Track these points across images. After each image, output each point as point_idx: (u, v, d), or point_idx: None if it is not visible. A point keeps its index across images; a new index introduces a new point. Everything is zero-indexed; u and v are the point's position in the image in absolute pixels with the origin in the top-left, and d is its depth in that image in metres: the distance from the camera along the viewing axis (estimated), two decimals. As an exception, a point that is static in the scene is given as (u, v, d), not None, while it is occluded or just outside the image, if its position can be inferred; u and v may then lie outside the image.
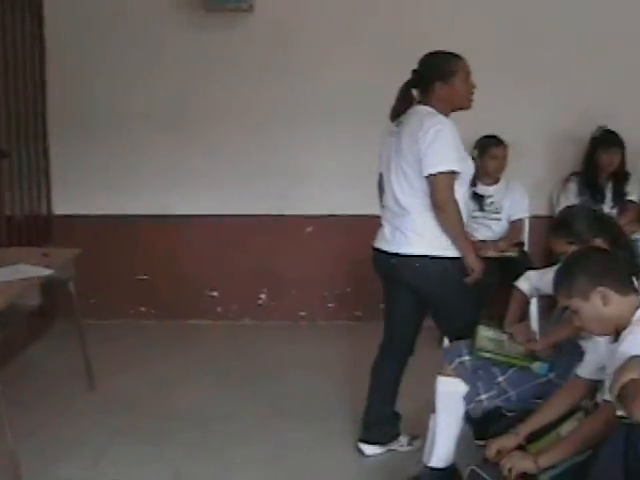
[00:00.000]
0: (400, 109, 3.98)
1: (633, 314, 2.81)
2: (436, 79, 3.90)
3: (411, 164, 3.85)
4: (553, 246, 3.56)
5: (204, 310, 6.30)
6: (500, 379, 3.48)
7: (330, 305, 6.28)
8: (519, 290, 3.93)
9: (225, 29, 5.96)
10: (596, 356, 3.05)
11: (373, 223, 5.98)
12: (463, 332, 3.77)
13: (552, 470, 2.78)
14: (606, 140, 5.81)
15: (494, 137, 5.73)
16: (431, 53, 3.98)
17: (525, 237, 5.92)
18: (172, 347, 5.72)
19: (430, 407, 3.63)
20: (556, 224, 3.64)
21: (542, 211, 6.04)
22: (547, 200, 6.05)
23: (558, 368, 3.48)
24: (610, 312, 2.82)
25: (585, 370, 3.11)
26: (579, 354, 3.44)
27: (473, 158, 5.55)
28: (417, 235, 3.87)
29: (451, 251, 3.85)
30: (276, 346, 5.76)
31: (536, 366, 3.48)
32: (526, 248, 5.87)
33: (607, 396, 2.65)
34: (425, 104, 3.93)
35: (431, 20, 5.86)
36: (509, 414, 3.35)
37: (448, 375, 3.56)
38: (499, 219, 5.83)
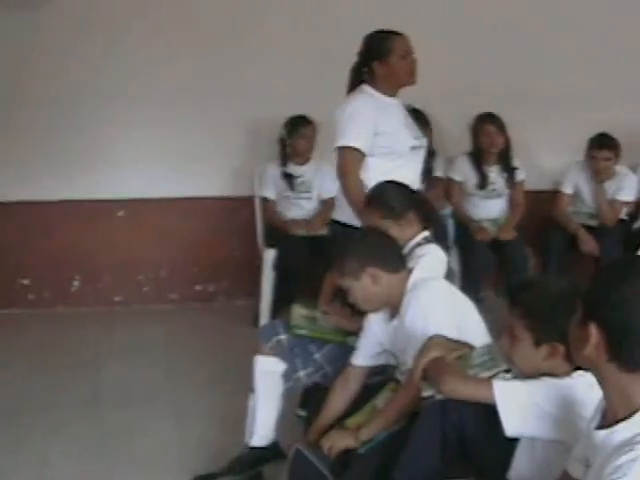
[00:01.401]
0: (348, 91, 4.15)
1: (402, 290, 2.99)
2: (373, 58, 4.05)
3: None
4: (367, 219, 3.66)
5: (15, 299, 6.08)
6: (317, 355, 3.55)
7: (145, 289, 6.22)
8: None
9: (27, 8, 5.69)
10: (370, 341, 3.19)
11: (185, 206, 6.04)
12: None
13: (369, 443, 2.89)
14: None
15: (303, 117, 5.75)
16: (370, 33, 4.10)
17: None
18: (-19, 338, 5.50)
19: (249, 387, 3.67)
20: (369, 198, 3.71)
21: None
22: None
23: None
24: (380, 291, 3.00)
25: (359, 359, 3.24)
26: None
27: (282, 138, 5.70)
28: (338, 201, 4.18)
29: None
30: (92, 333, 5.62)
31: (352, 339, 3.52)
32: (337, 226, 5.95)
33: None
34: (369, 83, 4.09)
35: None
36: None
37: (265, 354, 3.60)
38: (310, 198, 5.89)
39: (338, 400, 3.21)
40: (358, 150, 4.00)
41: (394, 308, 3.06)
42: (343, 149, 4.02)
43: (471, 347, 2.75)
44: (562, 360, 2.36)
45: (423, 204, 3.67)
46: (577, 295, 2.36)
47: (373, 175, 3.95)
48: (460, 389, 2.47)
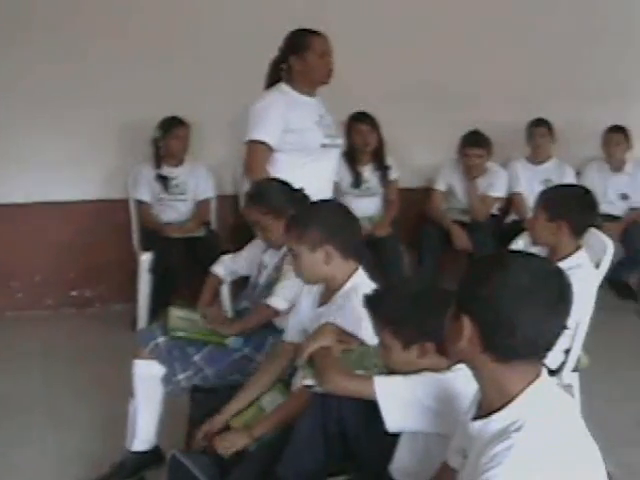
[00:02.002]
0: (266, 86, 4.27)
1: (345, 280, 2.97)
2: (290, 52, 4.17)
3: None
4: (248, 214, 3.71)
5: None
6: (196, 358, 3.54)
7: (19, 295, 6.08)
8: (213, 274, 4.06)
9: None
10: (298, 319, 3.20)
11: (59, 210, 5.92)
12: None
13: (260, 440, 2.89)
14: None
15: (176, 118, 5.72)
16: (292, 30, 4.22)
17: (212, 217, 6.00)
18: None
19: (128, 391, 3.63)
20: (252, 194, 3.78)
21: (228, 191, 6.14)
22: (232, 179, 6.20)
23: (252, 342, 3.61)
24: (327, 270, 2.98)
25: (288, 335, 3.26)
26: (272, 328, 3.63)
27: (155, 139, 5.66)
28: None
29: None
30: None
31: (231, 341, 3.59)
32: (213, 227, 5.96)
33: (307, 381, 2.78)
34: (287, 82, 4.22)
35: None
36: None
37: (144, 358, 3.57)
38: (185, 200, 5.86)
39: (267, 374, 3.21)
40: (265, 144, 4.11)
41: (328, 293, 3.06)
42: (251, 143, 4.15)
43: (363, 344, 2.77)
44: (437, 356, 2.42)
45: (305, 203, 3.68)
46: (434, 291, 2.46)
47: (282, 171, 4.06)
48: (342, 385, 2.50)
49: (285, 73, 4.29)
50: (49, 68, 5.65)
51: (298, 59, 4.21)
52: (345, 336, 2.80)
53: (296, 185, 3.76)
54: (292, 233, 3.02)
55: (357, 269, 3.05)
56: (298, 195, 3.72)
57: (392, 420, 2.40)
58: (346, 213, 3.14)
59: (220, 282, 4.13)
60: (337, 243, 2.97)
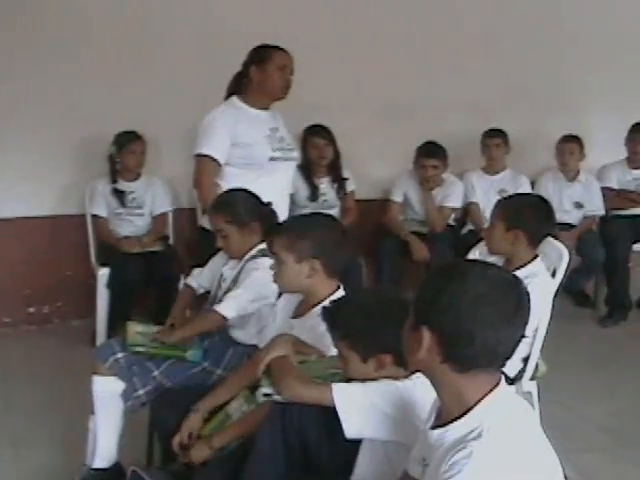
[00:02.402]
0: (225, 99, 4.34)
1: (323, 298, 2.94)
2: (251, 63, 4.25)
3: None
4: (212, 221, 3.72)
5: None
6: (156, 373, 3.52)
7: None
8: (188, 285, 4.04)
9: None
10: (276, 328, 3.16)
11: (15, 226, 5.86)
12: None
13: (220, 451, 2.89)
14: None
15: (132, 132, 5.68)
16: (256, 45, 4.30)
17: (170, 230, 5.99)
18: None
19: (88, 408, 3.61)
20: (217, 203, 3.78)
21: (184, 204, 6.13)
22: (189, 193, 6.19)
23: (211, 355, 3.61)
24: (307, 283, 2.98)
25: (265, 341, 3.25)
26: (230, 341, 3.63)
27: (111, 154, 5.64)
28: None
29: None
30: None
31: (190, 354, 3.56)
32: (171, 241, 5.95)
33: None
34: (241, 95, 4.32)
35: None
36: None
37: (103, 374, 3.54)
38: (142, 214, 5.84)
39: (242, 377, 3.18)
40: (211, 158, 4.16)
41: (305, 306, 3.03)
42: (198, 157, 4.21)
43: (321, 354, 2.77)
44: (395, 368, 2.42)
45: (269, 217, 3.72)
46: (391, 302, 2.46)
47: (234, 184, 4.06)
48: (300, 393, 2.49)
49: (244, 86, 4.33)
50: (3, 85, 5.61)
51: (258, 70, 4.27)
52: (303, 346, 2.79)
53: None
54: (282, 239, 3.01)
55: (338, 288, 3.04)
56: (265, 209, 3.74)
57: (351, 426, 2.39)
58: (341, 233, 3.13)
59: (193, 294, 4.11)
60: (325, 260, 2.97)
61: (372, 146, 6.38)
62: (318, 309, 2.85)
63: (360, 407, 2.39)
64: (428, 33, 6.36)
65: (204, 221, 4.33)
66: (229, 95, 4.38)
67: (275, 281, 3.10)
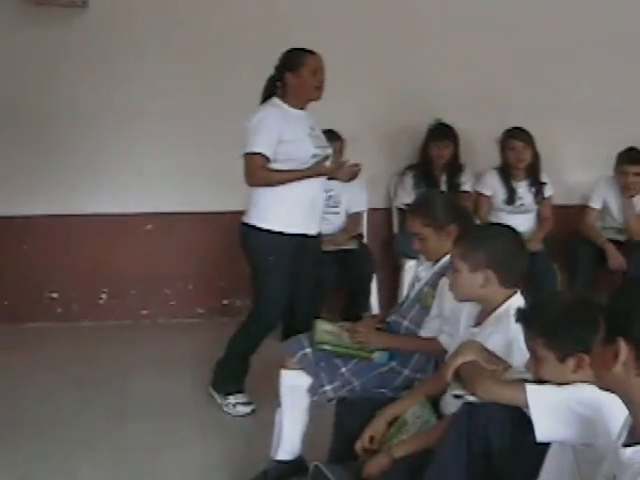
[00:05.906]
0: (261, 102, 4.47)
1: (500, 303, 2.92)
2: (286, 70, 4.38)
3: None
4: (409, 225, 3.67)
5: (44, 312, 6.10)
6: (343, 370, 3.51)
7: (172, 303, 6.22)
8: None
9: (57, 25, 5.76)
10: (458, 335, 3.13)
11: (210, 220, 6.02)
12: (266, 312, 4.50)
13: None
14: (438, 133, 5.95)
15: (331, 131, 5.62)
16: (288, 49, 4.44)
17: (364, 229, 6.00)
18: (11, 351, 5.45)
19: (276, 400, 3.64)
20: (416, 205, 3.78)
21: (380, 204, 6.14)
22: (385, 193, 6.17)
23: (399, 356, 3.56)
24: (481, 292, 2.95)
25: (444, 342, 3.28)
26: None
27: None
28: (251, 205, 4.44)
29: (276, 225, 4.34)
30: (118, 347, 5.64)
31: (377, 356, 3.54)
32: (365, 240, 5.95)
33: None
34: (280, 97, 4.43)
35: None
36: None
37: (291, 368, 3.59)
38: (338, 212, 5.86)
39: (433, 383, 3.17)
40: (262, 155, 4.30)
41: (483, 314, 3.01)
42: (248, 155, 4.32)
43: (507, 365, 2.69)
44: (590, 371, 2.31)
45: (467, 219, 3.69)
46: (589, 304, 2.34)
47: None
48: (494, 391, 2.46)
49: (279, 89, 4.46)
50: (192, 83, 5.75)
51: (293, 75, 4.39)
52: (491, 356, 2.71)
53: (289, 193, 4.29)
54: (459, 248, 3.00)
55: (515, 293, 2.98)
56: (462, 212, 3.71)
57: (542, 427, 2.32)
58: (518, 244, 3.08)
59: None
60: (499, 271, 2.93)
61: (572, 150, 6.23)
62: (495, 314, 2.90)
63: (553, 408, 2.33)
64: (632, 40, 6.14)
65: (247, 217, 4.47)
66: (265, 98, 4.49)
67: (450, 289, 3.07)
